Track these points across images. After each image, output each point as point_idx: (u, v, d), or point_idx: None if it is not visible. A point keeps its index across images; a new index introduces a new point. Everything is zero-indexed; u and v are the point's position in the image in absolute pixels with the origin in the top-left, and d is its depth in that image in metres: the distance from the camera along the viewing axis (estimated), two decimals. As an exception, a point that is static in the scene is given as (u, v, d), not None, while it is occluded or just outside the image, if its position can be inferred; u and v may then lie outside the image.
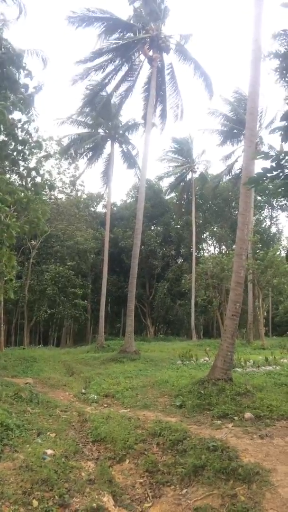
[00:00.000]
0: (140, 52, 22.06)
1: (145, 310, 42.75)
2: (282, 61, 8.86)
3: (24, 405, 8.24)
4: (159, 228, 43.45)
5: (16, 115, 11.12)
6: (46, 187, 14.42)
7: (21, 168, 11.83)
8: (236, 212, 25.60)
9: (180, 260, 44.17)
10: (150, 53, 21.77)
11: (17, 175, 12.26)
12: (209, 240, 48.17)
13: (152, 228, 43.99)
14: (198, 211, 40.09)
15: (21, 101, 10.47)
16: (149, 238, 40.01)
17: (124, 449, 6.14)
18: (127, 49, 21.66)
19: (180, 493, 4.94)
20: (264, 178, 4.80)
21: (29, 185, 11.73)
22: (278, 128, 4.84)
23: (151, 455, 5.94)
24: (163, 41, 21.86)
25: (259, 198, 39.35)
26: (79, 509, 4.33)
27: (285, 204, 37.95)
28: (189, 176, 39.06)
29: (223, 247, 45.33)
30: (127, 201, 46.32)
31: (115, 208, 43.85)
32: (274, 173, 4.66)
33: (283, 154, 4.53)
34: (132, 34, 21.91)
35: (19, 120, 11.03)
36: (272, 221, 44.32)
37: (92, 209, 43.98)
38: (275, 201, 40.86)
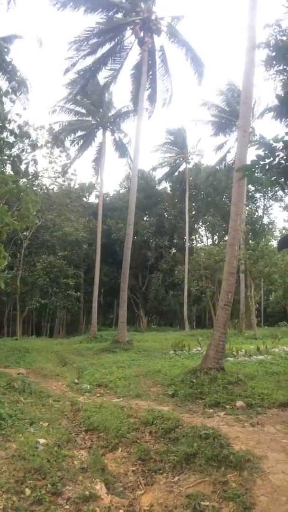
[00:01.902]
0: (131, 33, 21.50)
1: (138, 301, 42.82)
2: (272, 51, 8.78)
3: (16, 395, 8.23)
4: (152, 218, 43.32)
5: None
6: (30, 176, 14.26)
7: (5, 157, 11.70)
8: (229, 203, 25.61)
9: (173, 251, 44.17)
10: (141, 34, 21.26)
11: (1, 163, 12.13)
12: (202, 230, 48.25)
13: (145, 218, 43.88)
14: (191, 202, 40.07)
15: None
16: (142, 228, 39.92)
17: (116, 438, 6.17)
18: (117, 31, 21.22)
19: (172, 480, 4.98)
20: (257, 166, 4.78)
21: (11, 172, 11.62)
22: (270, 108, 4.83)
23: (144, 443, 5.98)
24: (154, 23, 21.45)
25: (252, 188, 39.38)
26: (72, 497, 4.35)
27: (277, 193, 38.00)
28: (183, 167, 38.98)
29: (216, 237, 45.43)
30: (120, 192, 46.06)
31: (107, 199, 43.59)
32: (267, 160, 4.65)
33: (276, 141, 4.51)
34: (121, 15, 21.41)
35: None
36: (265, 212, 44.41)
37: (85, 199, 43.62)
38: (268, 191, 40.89)
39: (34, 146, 12.90)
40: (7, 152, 11.65)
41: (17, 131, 11.40)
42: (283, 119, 5.12)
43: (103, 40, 21.12)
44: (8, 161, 11.68)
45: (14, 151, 12.15)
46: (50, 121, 29.74)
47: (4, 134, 10.92)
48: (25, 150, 12.44)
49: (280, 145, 4.62)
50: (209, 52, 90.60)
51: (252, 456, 4.93)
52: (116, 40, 21.58)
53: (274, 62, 8.23)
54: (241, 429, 6.15)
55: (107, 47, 21.55)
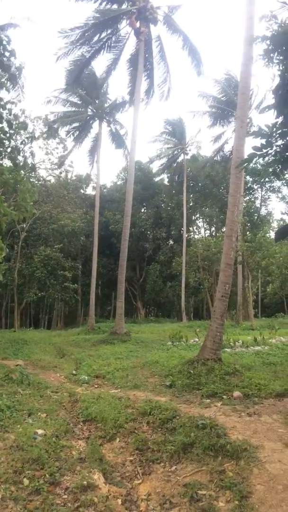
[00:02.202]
0: (127, 24, 21.21)
1: (136, 293, 42.89)
2: (269, 44, 8.69)
3: (14, 386, 8.26)
4: (150, 210, 43.23)
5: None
6: (28, 168, 14.17)
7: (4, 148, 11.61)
8: (227, 194, 25.55)
9: (171, 243, 44.16)
10: (137, 24, 20.91)
11: None
12: (199, 222, 48.21)
13: (143, 210, 43.80)
14: (189, 193, 39.97)
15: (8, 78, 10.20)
16: (140, 220, 39.87)
17: (114, 428, 6.21)
18: (113, 22, 20.89)
19: (169, 470, 5.02)
20: (256, 158, 4.76)
21: (10, 165, 11.55)
22: (269, 106, 4.77)
23: (141, 433, 6.01)
24: (151, 12, 21.05)
25: (249, 179, 39.31)
26: (70, 487, 4.38)
27: (274, 185, 37.93)
28: (181, 158, 38.78)
29: (213, 229, 45.42)
30: (117, 183, 45.90)
31: (105, 190, 43.45)
32: (264, 151, 4.62)
33: (274, 130, 4.48)
34: (116, 6, 21.12)
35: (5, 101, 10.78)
36: (263, 203, 44.39)
37: (82, 191, 43.45)
38: (265, 183, 40.85)
39: (32, 138, 12.78)
40: (6, 143, 11.56)
41: (15, 122, 11.28)
42: (280, 116, 5.06)
43: (98, 30, 20.78)
44: (6, 153, 11.58)
45: (13, 143, 12.03)
46: (46, 112, 29.48)
47: (4, 124, 10.83)
48: (23, 142, 12.32)
49: (277, 132, 4.58)
50: (207, 42, 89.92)
51: (249, 445, 4.97)
52: (111, 30, 21.26)
53: (271, 55, 8.15)
54: (238, 419, 6.19)
55: (102, 37, 21.23)
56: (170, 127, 38.14)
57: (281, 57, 4.99)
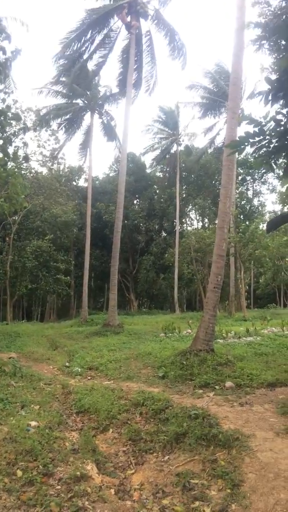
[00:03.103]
0: (118, 18, 21.25)
1: (129, 285, 42.93)
2: (262, 31, 8.66)
3: (7, 379, 8.25)
4: (142, 202, 43.11)
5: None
6: (21, 159, 14.02)
7: None
8: (219, 186, 25.56)
9: (163, 234, 44.16)
10: (128, 19, 20.99)
11: None
12: (192, 214, 48.21)
13: (136, 202, 43.66)
14: (182, 184, 39.88)
15: None
16: (133, 213, 39.77)
17: (107, 419, 6.24)
18: (105, 16, 20.89)
19: (162, 459, 5.07)
20: (246, 144, 4.73)
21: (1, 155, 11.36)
22: (260, 92, 4.74)
23: (134, 424, 6.05)
24: (141, 6, 21.06)
25: (241, 171, 39.32)
26: (63, 477, 4.39)
27: (264, 174, 37.96)
28: (174, 149, 38.61)
29: (206, 220, 45.44)
30: (109, 175, 45.66)
31: (97, 182, 43.20)
32: (257, 139, 4.60)
33: (267, 120, 4.46)
34: (109, 1, 21.10)
35: None
36: (255, 195, 44.47)
37: (74, 183, 43.19)
38: (257, 175, 40.92)
39: (24, 129, 12.60)
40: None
41: (9, 112, 11.09)
42: (274, 104, 5.04)
43: (91, 28, 20.84)
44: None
45: (4, 134, 11.85)
46: (37, 103, 29.26)
47: None
48: (14, 133, 12.15)
49: (271, 123, 4.57)
50: (199, 32, 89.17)
51: (241, 434, 5.02)
52: (103, 26, 21.29)
53: (263, 42, 8.11)
54: (230, 408, 6.25)
55: (94, 33, 21.30)
56: (164, 116, 37.87)
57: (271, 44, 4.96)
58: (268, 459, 4.45)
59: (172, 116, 37.42)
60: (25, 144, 23.76)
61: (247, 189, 43.79)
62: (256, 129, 4.53)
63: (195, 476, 4.48)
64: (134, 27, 21.16)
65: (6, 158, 11.20)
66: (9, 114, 11.11)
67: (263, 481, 4.08)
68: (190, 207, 45.70)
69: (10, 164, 11.55)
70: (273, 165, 5.00)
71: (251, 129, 4.62)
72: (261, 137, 4.56)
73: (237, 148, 4.99)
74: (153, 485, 4.61)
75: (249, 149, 4.90)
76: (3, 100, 10.92)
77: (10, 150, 12.08)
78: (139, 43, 22.61)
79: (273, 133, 4.56)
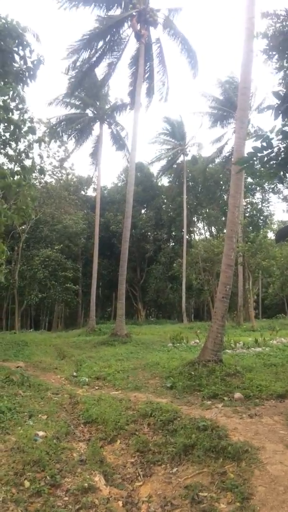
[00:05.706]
0: (128, 27, 21.42)
1: (136, 294, 42.86)
2: (270, 41, 8.70)
3: (15, 388, 8.25)
4: (150, 212, 43.22)
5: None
6: (36, 171, 14.12)
7: (11, 151, 11.53)
8: (227, 195, 25.54)
9: (171, 244, 44.13)
10: (138, 27, 21.12)
11: (6, 158, 11.94)
12: (200, 223, 48.16)
13: (143, 212, 43.79)
14: (189, 194, 39.97)
15: (22, 73, 10.13)
16: (141, 222, 39.87)
17: (115, 430, 6.19)
18: (115, 27, 21.10)
19: (170, 471, 5.01)
20: (255, 158, 4.73)
21: (18, 168, 11.42)
22: (268, 107, 4.75)
23: (142, 435, 6.00)
24: (151, 15, 21.25)
25: (250, 180, 39.29)
26: (71, 489, 4.37)
27: (276, 186, 37.89)
28: (181, 159, 38.78)
29: (214, 230, 45.35)
30: (118, 185, 45.87)
31: (105, 192, 43.47)
32: (265, 152, 4.61)
33: (274, 133, 4.47)
34: (120, 10, 21.34)
35: (14, 99, 10.61)
36: (264, 204, 44.32)
37: (83, 192, 43.53)
38: (266, 184, 40.81)
39: (40, 142, 12.68)
40: (14, 146, 11.46)
41: (27, 125, 11.16)
42: (285, 118, 5.02)
43: (100, 37, 20.98)
44: (14, 158, 11.47)
45: (19, 145, 11.95)
46: (47, 114, 29.64)
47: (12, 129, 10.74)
48: (30, 146, 12.23)
49: (279, 137, 4.58)
50: (209, 41, 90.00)
51: (250, 447, 4.95)
52: (113, 34, 21.43)
53: (273, 53, 8.15)
54: (239, 420, 6.18)
55: (104, 43, 21.42)
56: (170, 127, 38.13)
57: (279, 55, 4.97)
58: (278, 472, 4.38)
59: (179, 126, 37.64)
60: (41, 156, 23.96)
61: (257, 199, 43.67)
62: (264, 143, 4.53)
63: (204, 488, 4.42)
64: (144, 36, 21.28)
65: (23, 171, 11.25)
66: (25, 127, 11.18)
67: (273, 495, 4.01)
68: (198, 216, 45.69)
69: (24, 176, 11.59)
70: (283, 177, 5.00)
71: (259, 144, 4.62)
72: (269, 150, 4.57)
73: (246, 163, 4.97)
74: (162, 497, 4.56)
75: (257, 164, 4.89)
76: (22, 112, 10.98)
77: (27, 162, 12.13)
78: (149, 52, 22.75)
79: (281, 146, 4.56)
